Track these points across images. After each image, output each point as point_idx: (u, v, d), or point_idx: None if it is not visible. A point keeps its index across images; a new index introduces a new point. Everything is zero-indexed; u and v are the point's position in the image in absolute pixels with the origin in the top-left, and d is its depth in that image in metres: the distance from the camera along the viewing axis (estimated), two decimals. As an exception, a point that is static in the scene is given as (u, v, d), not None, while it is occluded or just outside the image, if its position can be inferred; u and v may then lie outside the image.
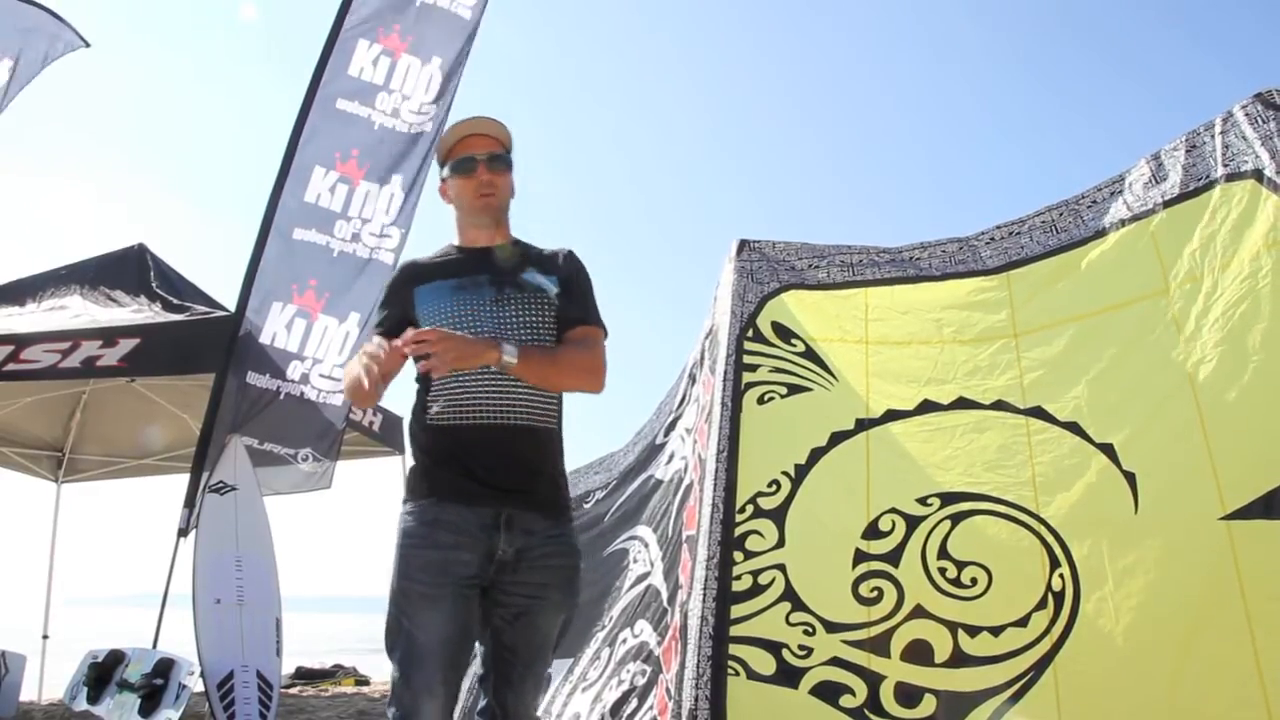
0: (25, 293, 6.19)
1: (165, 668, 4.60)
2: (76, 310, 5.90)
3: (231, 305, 5.59)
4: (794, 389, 3.19)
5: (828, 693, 2.69)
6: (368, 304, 5.53)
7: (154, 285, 6.22)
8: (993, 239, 3.18)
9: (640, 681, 3.19)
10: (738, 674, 2.75)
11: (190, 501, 5.14)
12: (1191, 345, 2.61)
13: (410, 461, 2.30)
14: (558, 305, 2.26)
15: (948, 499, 2.86)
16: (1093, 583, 2.58)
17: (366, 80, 5.71)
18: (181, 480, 5.36)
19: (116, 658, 4.80)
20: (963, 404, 2.99)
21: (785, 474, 3.05)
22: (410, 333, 2.01)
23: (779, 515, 2.99)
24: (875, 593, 2.80)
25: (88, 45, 7.08)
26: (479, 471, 2.12)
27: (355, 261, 5.62)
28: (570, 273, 2.33)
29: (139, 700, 4.49)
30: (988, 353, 3.03)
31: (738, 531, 2.97)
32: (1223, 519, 2.42)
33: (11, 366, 4.98)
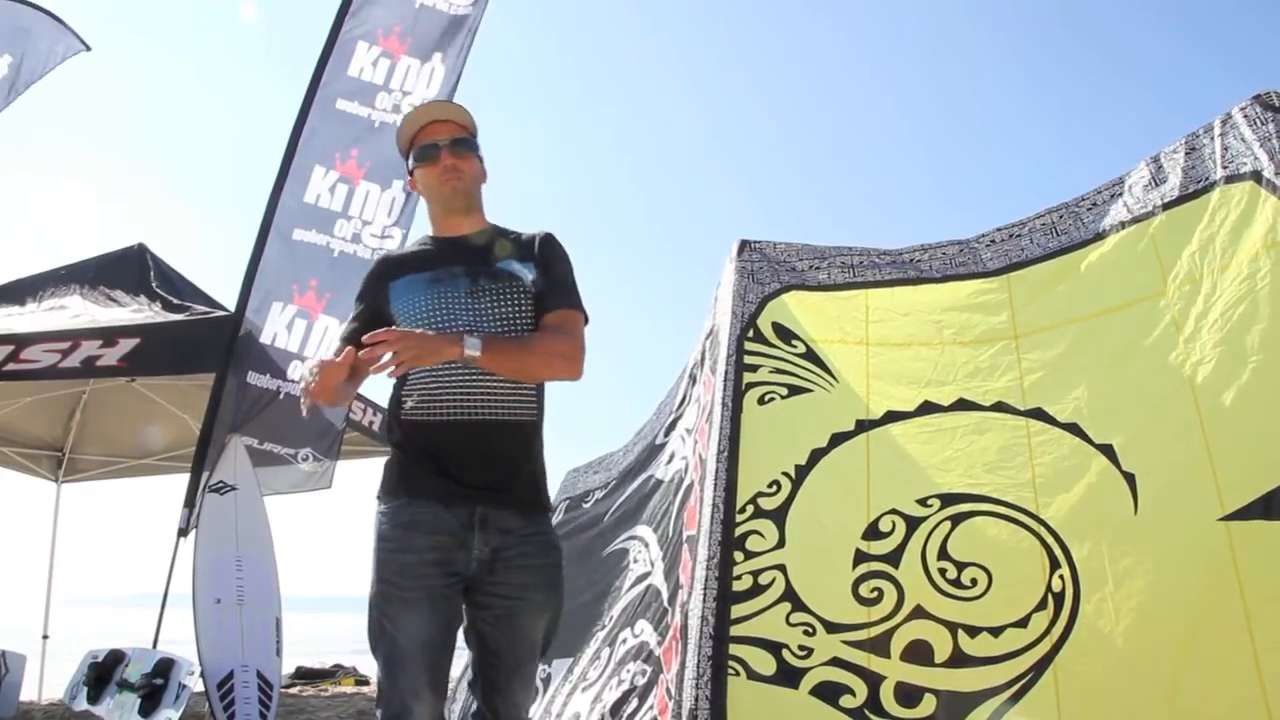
0: (25, 293, 6.20)
1: (165, 668, 4.60)
2: (76, 310, 5.90)
3: (231, 305, 5.60)
4: (794, 390, 3.19)
5: (828, 693, 2.69)
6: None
7: (154, 285, 6.22)
8: (993, 241, 3.19)
9: (640, 681, 3.20)
10: (738, 674, 2.75)
11: (190, 501, 5.15)
12: (1191, 346, 2.62)
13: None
14: (534, 292, 2.20)
15: (948, 500, 2.87)
16: (1093, 584, 2.59)
17: (366, 80, 5.72)
18: (181, 480, 5.36)
19: (116, 658, 4.80)
20: (963, 405, 2.99)
21: (785, 474, 3.05)
22: (367, 337, 1.95)
23: (779, 515, 2.99)
24: (875, 593, 2.81)
25: (88, 49, 7.09)
26: (453, 469, 2.08)
27: (356, 262, 5.62)
28: (548, 257, 2.26)
29: (139, 700, 4.49)
30: (988, 354, 3.03)
31: (738, 532, 2.97)
32: (1222, 520, 2.42)
33: (11, 366, 4.99)
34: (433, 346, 1.97)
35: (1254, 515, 2.38)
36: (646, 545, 3.79)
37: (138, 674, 4.59)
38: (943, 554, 2.80)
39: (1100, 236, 2.96)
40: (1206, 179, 2.76)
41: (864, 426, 3.07)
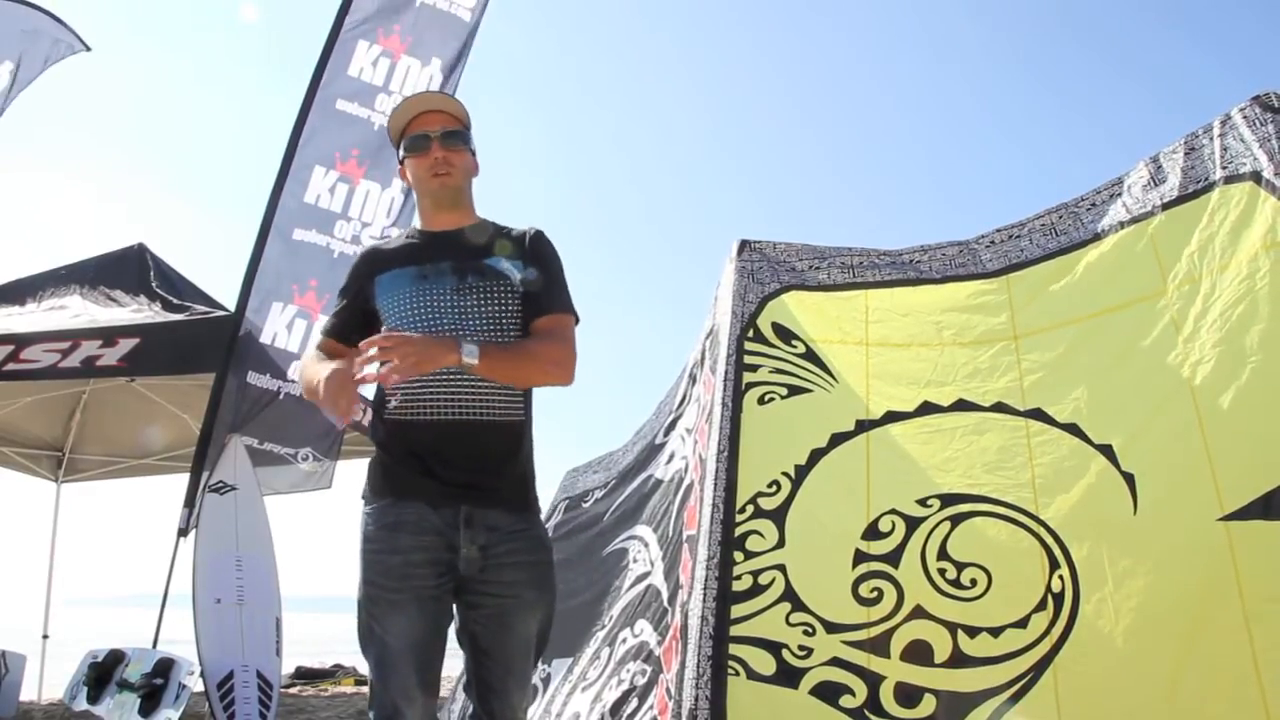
0: (25, 293, 6.20)
1: (165, 667, 4.60)
2: (76, 310, 5.90)
3: (231, 305, 5.60)
4: (794, 390, 3.19)
5: (828, 693, 2.70)
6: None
7: (154, 285, 6.23)
8: (993, 242, 3.19)
9: (640, 681, 3.20)
10: (738, 674, 2.75)
11: (190, 501, 5.15)
12: (1190, 346, 2.62)
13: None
14: (523, 292, 2.17)
15: (947, 500, 2.87)
16: (1092, 584, 2.59)
17: (366, 81, 5.72)
18: (181, 480, 5.36)
19: (116, 658, 4.80)
20: (962, 406, 3.00)
21: (785, 474, 3.05)
22: (363, 343, 1.93)
23: (779, 515, 2.99)
24: (875, 593, 2.81)
25: (88, 49, 7.09)
26: (438, 469, 2.06)
27: (356, 263, 5.61)
28: (540, 256, 2.23)
29: (139, 700, 4.49)
30: (987, 355, 3.04)
31: (738, 531, 2.97)
32: (1221, 520, 2.43)
33: (11, 366, 4.99)
34: (431, 355, 1.93)
35: (1253, 515, 2.39)
36: (646, 545, 3.79)
37: (138, 674, 4.59)
38: (942, 554, 2.80)
39: (1099, 237, 2.97)
40: (1206, 179, 2.77)
41: (864, 427, 3.07)
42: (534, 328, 2.16)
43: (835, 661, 2.74)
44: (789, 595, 2.86)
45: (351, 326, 2.23)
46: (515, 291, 2.17)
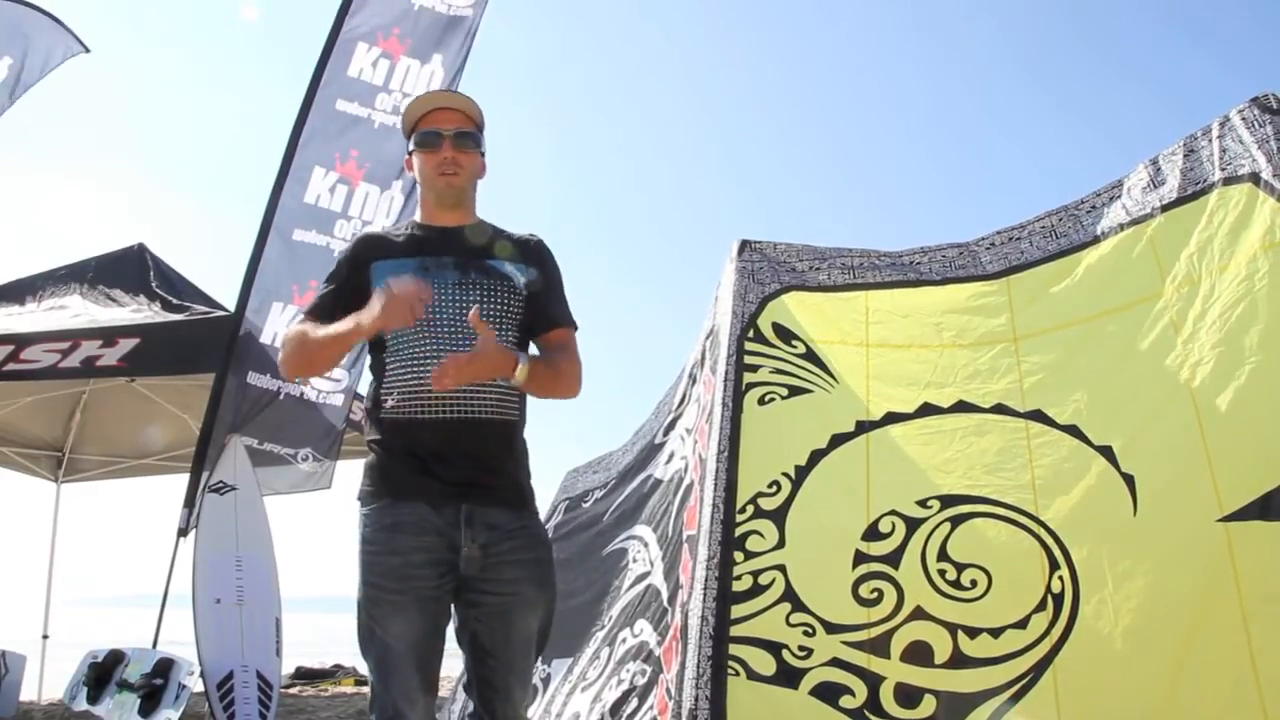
0: (25, 292, 6.20)
1: (165, 668, 4.60)
2: (76, 310, 5.90)
3: (231, 305, 5.59)
4: (795, 390, 3.20)
5: (828, 693, 2.70)
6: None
7: (154, 285, 6.22)
8: (993, 244, 3.19)
9: (640, 681, 3.20)
10: (738, 674, 2.75)
11: (190, 501, 5.14)
12: (1189, 348, 2.63)
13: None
14: (528, 299, 2.19)
15: (947, 501, 2.87)
16: (1092, 585, 2.59)
17: (366, 81, 5.72)
18: (181, 480, 5.36)
19: (116, 658, 4.80)
20: (962, 407, 3.00)
21: (785, 475, 3.06)
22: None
23: (779, 516, 2.99)
24: (875, 594, 2.81)
25: (88, 50, 7.09)
26: (438, 468, 2.05)
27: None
28: (545, 264, 2.25)
29: (139, 700, 4.49)
30: (987, 357, 3.04)
31: (738, 532, 2.97)
32: (1220, 520, 2.43)
33: (11, 366, 4.99)
34: (498, 365, 2.01)
35: (1252, 516, 2.39)
36: (646, 545, 3.79)
37: (138, 674, 4.59)
38: (942, 555, 2.80)
39: (1099, 239, 2.97)
40: (1205, 181, 2.77)
41: (864, 428, 3.08)
42: (547, 341, 2.20)
43: (835, 662, 2.74)
44: (789, 595, 2.86)
45: (344, 310, 2.15)
46: (518, 294, 2.18)
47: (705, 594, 2.86)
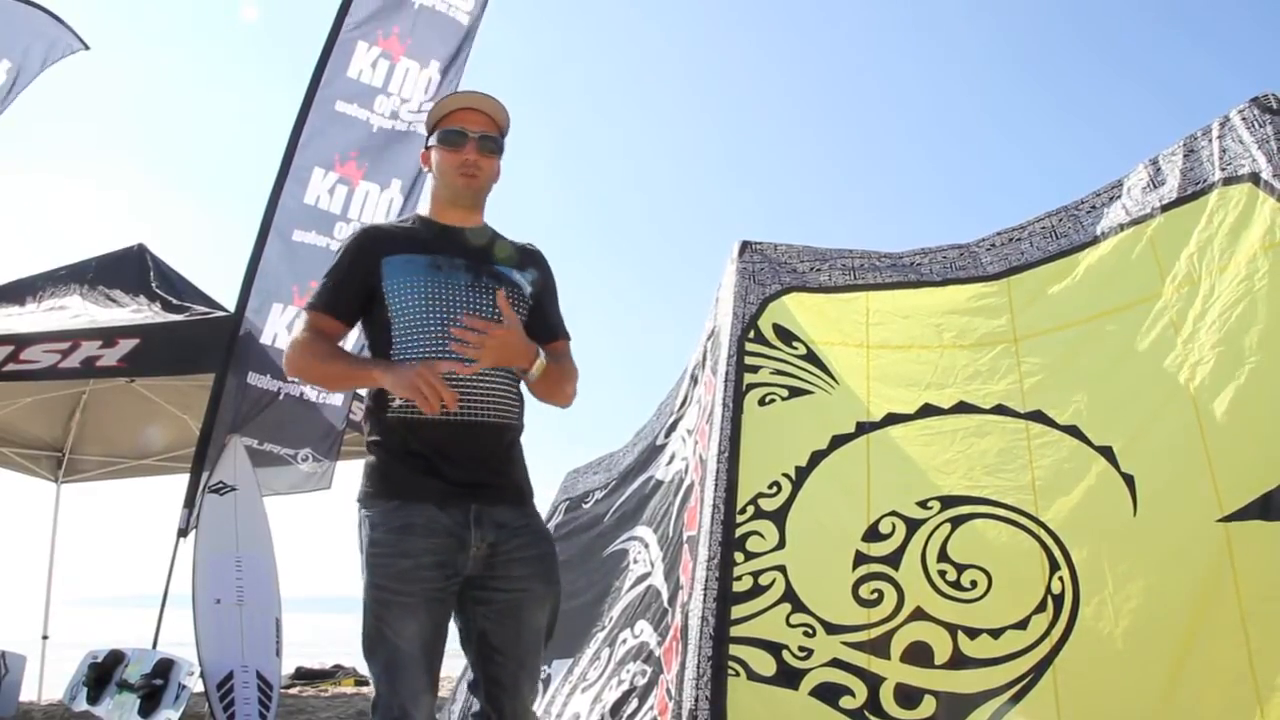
0: (25, 293, 6.20)
1: (165, 668, 4.59)
2: (76, 310, 5.90)
3: (231, 305, 5.59)
4: (795, 391, 3.20)
5: (828, 694, 2.70)
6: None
7: (154, 285, 6.22)
8: (993, 245, 3.19)
9: (640, 682, 3.20)
10: (738, 674, 2.75)
11: (190, 501, 5.13)
12: (1189, 348, 2.63)
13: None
14: (532, 307, 2.23)
15: (948, 502, 2.87)
16: (1092, 586, 2.59)
17: (365, 82, 5.71)
18: (181, 480, 5.35)
19: (116, 658, 4.79)
20: (963, 408, 3.00)
21: (786, 476, 3.06)
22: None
23: (779, 516, 3.00)
24: (875, 594, 2.81)
25: (87, 48, 7.08)
26: (445, 469, 2.06)
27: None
28: (547, 275, 2.32)
29: (139, 700, 4.48)
30: (988, 357, 3.04)
31: (738, 532, 2.97)
32: (1220, 521, 2.43)
33: (11, 366, 4.98)
34: (520, 352, 2.08)
35: (1251, 516, 2.39)
36: (646, 546, 3.79)
37: (137, 674, 4.58)
38: (943, 556, 2.80)
39: (1099, 239, 2.97)
40: (1205, 181, 2.77)
41: (864, 429, 3.08)
42: (551, 350, 2.23)
43: (835, 662, 2.74)
44: (789, 596, 2.86)
45: (353, 304, 2.18)
46: (526, 301, 2.23)
47: (705, 594, 2.86)
